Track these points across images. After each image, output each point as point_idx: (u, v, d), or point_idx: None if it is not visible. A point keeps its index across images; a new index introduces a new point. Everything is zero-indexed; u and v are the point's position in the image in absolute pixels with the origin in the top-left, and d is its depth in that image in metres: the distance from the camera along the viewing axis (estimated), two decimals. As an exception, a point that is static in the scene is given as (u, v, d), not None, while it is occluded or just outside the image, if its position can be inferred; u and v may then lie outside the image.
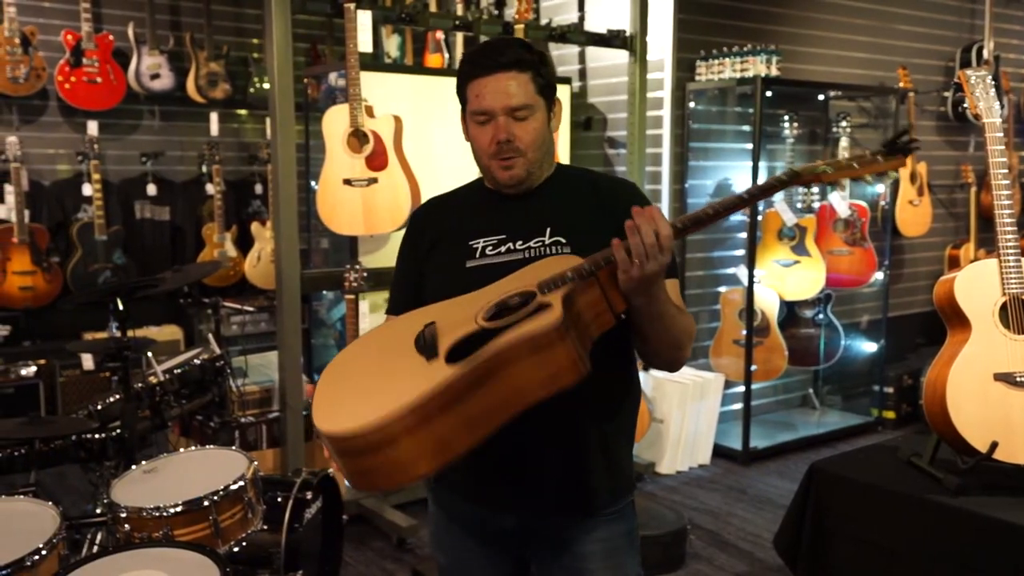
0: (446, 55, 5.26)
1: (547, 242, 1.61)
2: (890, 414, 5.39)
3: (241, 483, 2.40)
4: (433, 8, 5.08)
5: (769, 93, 4.71)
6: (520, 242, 1.62)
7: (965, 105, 5.80)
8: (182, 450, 2.80)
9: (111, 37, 5.10)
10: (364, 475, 1.34)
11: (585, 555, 1.64)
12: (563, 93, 4.66)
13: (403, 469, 1.32)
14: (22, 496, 2.39)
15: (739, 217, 5.01)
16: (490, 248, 1.63)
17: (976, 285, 2.35)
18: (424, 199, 2.25)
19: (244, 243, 5.57)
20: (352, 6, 3.48)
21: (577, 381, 1.37)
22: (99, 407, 3.10)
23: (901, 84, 5.40)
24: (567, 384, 1.36)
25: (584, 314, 1.43)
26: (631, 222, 1.40)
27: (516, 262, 1.59)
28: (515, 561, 1.71)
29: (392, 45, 5.46)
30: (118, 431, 2.93)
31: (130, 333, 2.87)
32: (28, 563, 1.96)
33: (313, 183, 4.24)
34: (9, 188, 4.82)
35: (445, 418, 1.32)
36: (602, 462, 1.63)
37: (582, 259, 1.46)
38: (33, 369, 4.61)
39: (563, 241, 1.61)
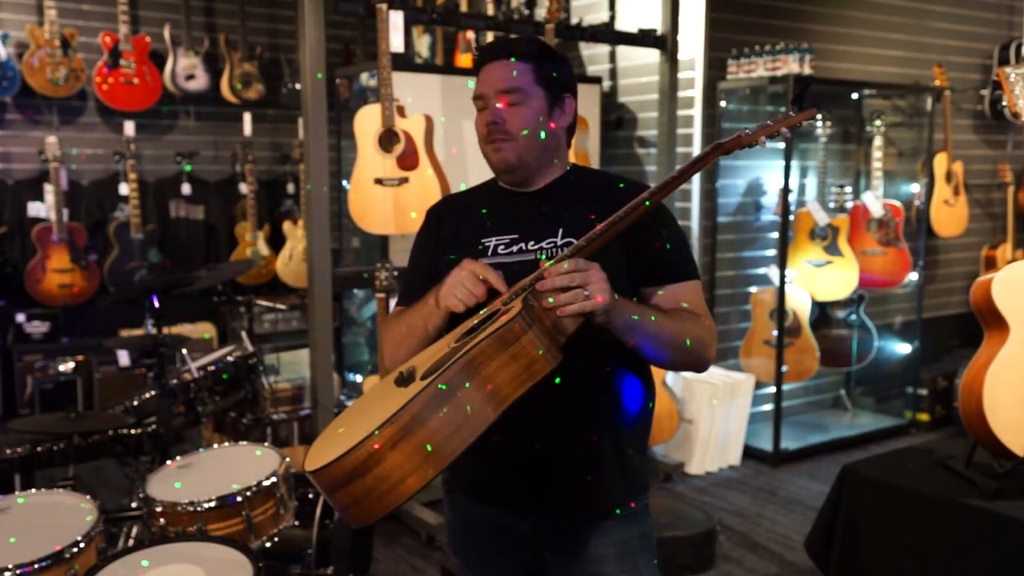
0: (476, 55, 5.27)
1: (559, 243, 1.61)
2: (924, 416, 5.32)
3: (273, 479, 2.43)
4: (464, 8, 5.09)
5: (802, 92, 4.66)
6: (532, 242, 1.62)
7: (1003, 103, 5.70)
8: (215, 446, 2.84)
9: (148, 39, 5.18)
10: (358, 504, 1.34)
11: (599, 557, 1.63)
12: (593, 92, 4.66)
13: (393, 487, 1.32)
14: (61, 489, 2.44)
15: (771, 217, 4.97)
16: (502, 247, 1.64)
17: (1014, 286, 2.32)
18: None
19: (276, 242, 5.62)
20: (384, 7, 3.50)
21: (550, 371, 1.39)
22: (135, 403, 3.16)
23: (937, 82, 5.31)
24: (540, 375, 1.38)
25: (546, 316, 1.42)
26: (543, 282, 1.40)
27: (528, 262, 1.60)
28: (531, 563, 1.71)
29: (423, 45, 5.49)
30: (153, 427, 2.99)
31: (165, 330, 2.92)
32: (67, 555, 2.00)
33: (345, 182, 4.28)
34: (48, 187, 4.92)
35: (427, 426, 1.33)
36: (615, 464, 1.63)
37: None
38: (71, 365, 4.70)
39: (575, 242, 1.59)
